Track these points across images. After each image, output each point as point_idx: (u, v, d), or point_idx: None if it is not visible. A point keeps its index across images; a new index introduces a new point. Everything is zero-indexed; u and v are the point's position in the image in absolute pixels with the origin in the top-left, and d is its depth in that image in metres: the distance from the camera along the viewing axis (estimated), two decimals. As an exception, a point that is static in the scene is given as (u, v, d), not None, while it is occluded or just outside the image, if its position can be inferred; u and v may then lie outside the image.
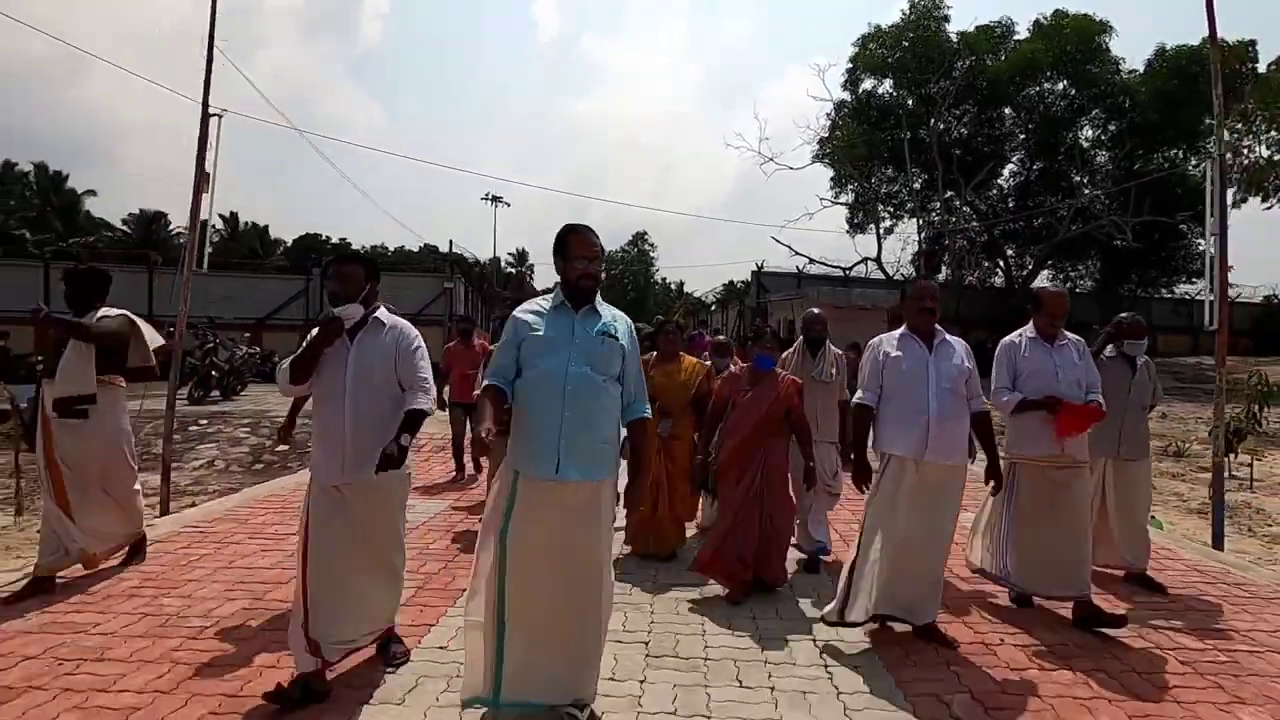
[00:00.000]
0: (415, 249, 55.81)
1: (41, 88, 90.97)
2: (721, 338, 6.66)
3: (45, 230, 35.23)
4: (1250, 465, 8.29)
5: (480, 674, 2.47)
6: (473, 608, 2.51)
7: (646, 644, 3.22)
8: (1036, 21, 25.78)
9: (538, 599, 2.46)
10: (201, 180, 5.83)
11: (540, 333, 2.51)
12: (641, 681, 2.86)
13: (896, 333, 3.48)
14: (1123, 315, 4.47)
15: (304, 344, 2.83)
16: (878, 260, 27.65)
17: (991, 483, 3.43)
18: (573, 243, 2.57)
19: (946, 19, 25.49)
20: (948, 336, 3.41)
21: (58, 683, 2.79)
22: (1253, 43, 23.43)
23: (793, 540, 4.29)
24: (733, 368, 4.61)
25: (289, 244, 48.18)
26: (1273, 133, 24.53)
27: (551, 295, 2.66)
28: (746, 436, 3.87)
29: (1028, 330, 3.83)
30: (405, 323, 3.04)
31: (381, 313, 2.98)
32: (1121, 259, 24.96)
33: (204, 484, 7.76)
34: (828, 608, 3.38)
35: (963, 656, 3.15)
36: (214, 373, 11.48)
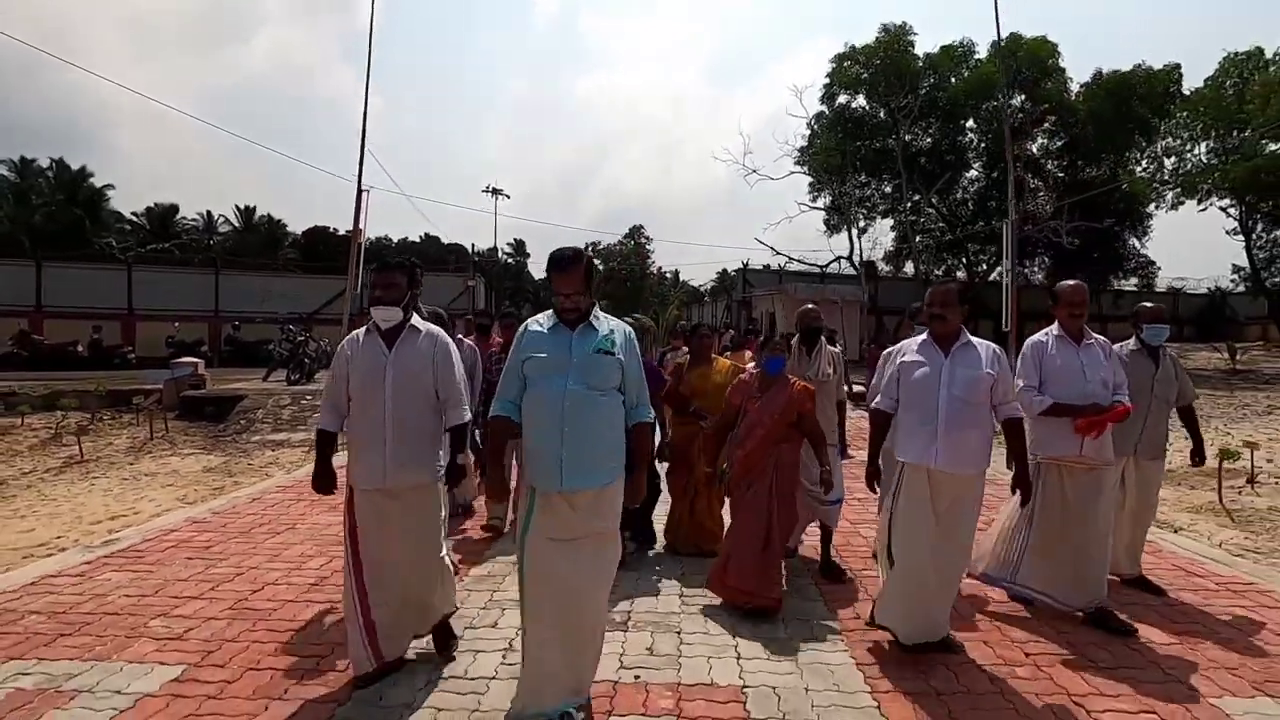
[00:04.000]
0: (417, 239, 58.22)
1: (27, 75, 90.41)
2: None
3: (71, 227, 36.99)
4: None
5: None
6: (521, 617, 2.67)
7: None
8: (994, 43, 28.68)
9: (553, 600, 2.58)
10: (356, 233, 8.86)
11: (540, 354, 2.62)
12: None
13: (919, 338, 3.38)
14: (1142, 303, 4.32)
15: (317, 451, 3.08)
16: (850, 258, 30.73)
17: (1019, 492, 3.31)
18: (555, 280, 2.67)
19: (912, 43, 28.36)
20: (973, 340, 3.26)
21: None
22: (1177, 66, 26.45)
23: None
24: (744, 375, 4.22)
25: (299, 235, 49.66)
26: (1209, 141, 27.65)
27: (549, 313, 2.76)
28: (758, 444, 3.77)
29: (1054, 329, 3.76)
30: (439, 330, 3.13)
31: (416, 320, 3.07)
32: (1069, 257, 27.98)
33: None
34: (874, 609, 3.36)
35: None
36: (306, 360, 14.47)
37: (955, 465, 3.10)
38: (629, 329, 2.84)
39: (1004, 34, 28.60)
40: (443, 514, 3.12)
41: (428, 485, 3.00)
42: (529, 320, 2.80)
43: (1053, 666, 3.19)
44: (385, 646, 2.91)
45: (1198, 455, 4.26)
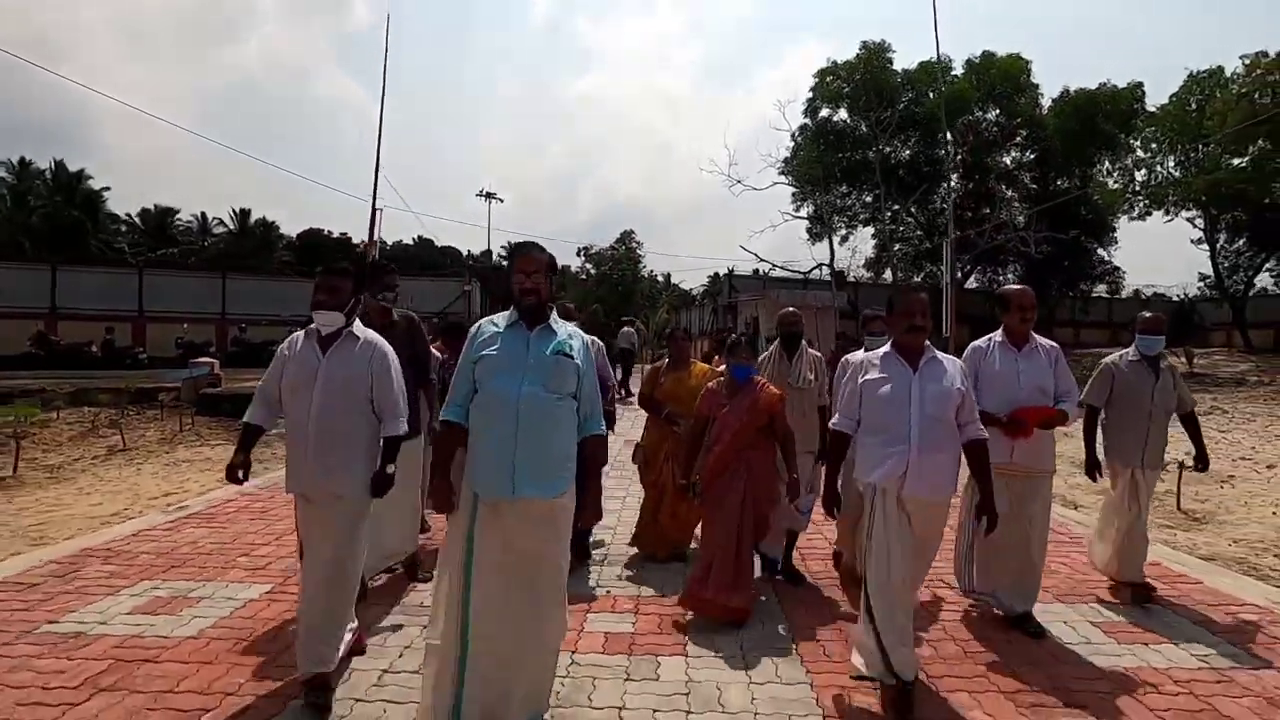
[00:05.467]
0: (410, 242, 58.95)
1: (25, 75, 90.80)
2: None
3: (70, 229, 37.46)
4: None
5: (445, 698, 2.43)
6: (433, 632, 2.51)
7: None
8: (968, 60, 30.05)
9: (503, 615, 2.46)
10: (369, 248, 9.92)
11: (495, 352, 2.53)
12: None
13: (880, 351, 3.12)
14: (1141, 312, 4.27)
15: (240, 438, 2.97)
16: (831, 266, 31.99)
17: (984, 519, 3.02)
18: (517, 260, 2.64)
19: (891, 60, 29.70)
20: (939, 355, 3.03)
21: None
22: (1140, 84, 27.87)
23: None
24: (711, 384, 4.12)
25: (293, 238, 50.05)
26: (1174, 155, 29.01)
27: (508, 313, 2.67)
28: (726, 447, 3.72)
29: (997, 335, 3.74)
30: (379, 338, 3.05)
31: (356, 327, 3.00)
32: (1040, 265, 29.33)
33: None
34: (856, 660, 2.98)
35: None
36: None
37: (927, 491, 2.88)
38: (588, 339, 2.81)
39: (978, 51, 30.14)
40: (363, 534, 3.01)
41: (351, 498, 2.89)
42: (484, 319, 2.72)
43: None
44: (300, 655, 2.83)
45: (1200, 461, 4.28)
